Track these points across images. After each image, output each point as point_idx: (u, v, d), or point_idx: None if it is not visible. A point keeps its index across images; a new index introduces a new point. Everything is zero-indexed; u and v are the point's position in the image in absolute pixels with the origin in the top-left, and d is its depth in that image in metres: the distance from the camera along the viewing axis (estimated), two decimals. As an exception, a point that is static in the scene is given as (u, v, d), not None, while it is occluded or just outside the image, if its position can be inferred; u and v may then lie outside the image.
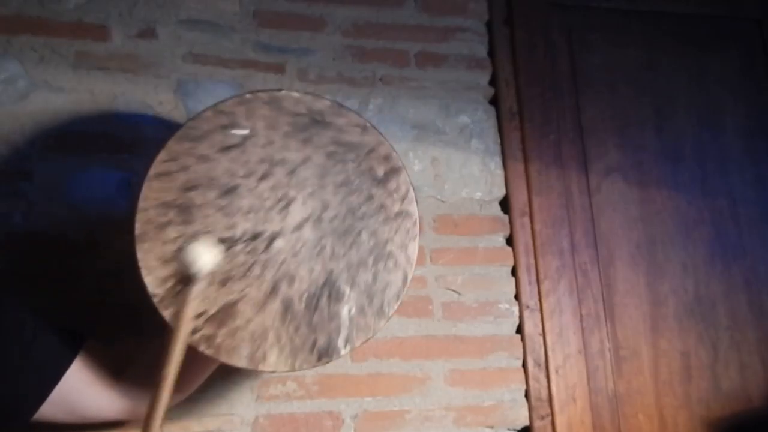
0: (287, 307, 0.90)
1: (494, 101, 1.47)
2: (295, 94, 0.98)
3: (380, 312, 0.93)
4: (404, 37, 1.44)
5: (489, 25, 1.50)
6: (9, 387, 0.87)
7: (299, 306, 0.91)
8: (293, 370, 0.90)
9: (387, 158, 0.99)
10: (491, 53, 1.49)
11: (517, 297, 1.37)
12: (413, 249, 0.96)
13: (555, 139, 1.47)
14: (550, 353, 1.34)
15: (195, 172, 0.91)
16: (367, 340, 0.93)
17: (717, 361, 1.44)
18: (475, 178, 1.41)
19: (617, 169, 1.50)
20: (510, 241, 1.40)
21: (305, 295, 0.91)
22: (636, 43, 1.58)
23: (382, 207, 0.97)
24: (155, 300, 0.86)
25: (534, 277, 1.38)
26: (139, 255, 0.87)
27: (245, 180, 0.92)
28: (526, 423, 1.31)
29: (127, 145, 1.23)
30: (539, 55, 1.50)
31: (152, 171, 0.90)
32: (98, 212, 1.19)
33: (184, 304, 0.83)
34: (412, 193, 0.99)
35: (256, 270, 0.90)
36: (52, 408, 0.89)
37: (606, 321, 1.41)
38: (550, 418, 1.31)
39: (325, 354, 0.91)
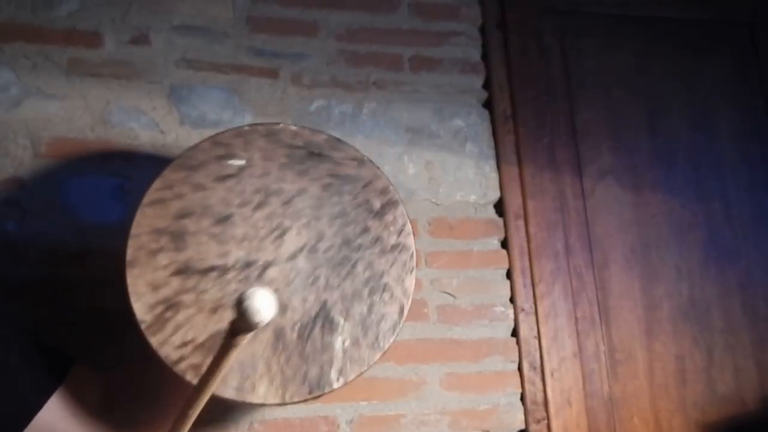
0: (279, 336, 0.88)
1: (488, 105, 1.47)
2: (293, 128, 0.99)
3: (375, 344, 0.92)
4: (398, 41, 1.44)
5: (482, 29, 1.50)
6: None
7: (291, 336, 0.89)
8: (283, 402, 0.87)
9: (384, 191, 0.99)
10: (485, 57, 1.49)
11: (512, 300, 1.37)
12: (410, 282, 0.95)
13: (549, 142, 1.47)
14: (545, 356, 1.34)
15: (189, 200, 0.91)
16: (360, 374, 0.91)
17: (712, 365, 1.44)
18: (469, 181, 1.41)
19: (611, 173, 1.50)
20: (505, 244, 1.40)
21: (298, 325, 0.89)
22: (629, 48, 1.59)
23: (378, 239, 0.96)
24: (143, 326, 0.85)
25: (529, 280, 1.38)
26: (129, 280, 0.86)
27: (240, 209, 0.92)
28: (522, 427, 1.31)
29: (120, 151, 1.23)
30: (533, 59, 1.50)
31: (146, 198, 0.90)
32: (92, 219, 1.19)
33: (228, 351, 0.77)
34: (409, 227, 0.98)
35: None
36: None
37: (601, 324, 1.41)
38: (546, 421, 1.31)
39: (317, 387, 0.88)
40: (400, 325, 0.94)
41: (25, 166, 1.19)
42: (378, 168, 1.01)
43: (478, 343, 1.33)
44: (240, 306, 0.71)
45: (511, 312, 1.37)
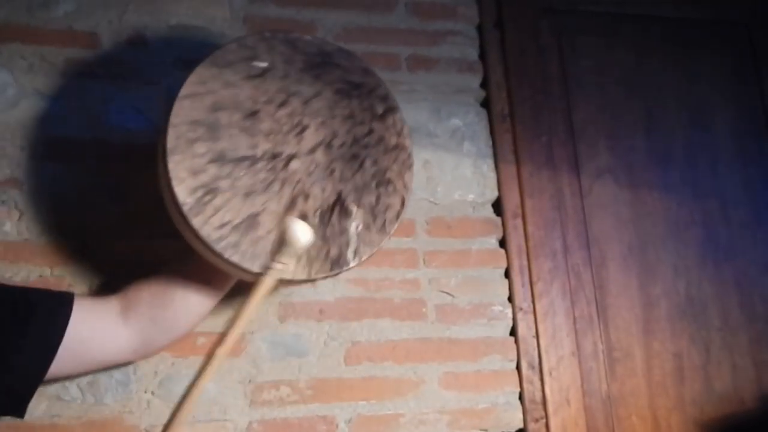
0: (303, 221, 0.97)
1: (486, 104, 1.47)
2: (308, 37, 1.09)
3: (382, 229, 1.03)
4: (395, 41, 1.44)
5: (479, 29, 1.50)
6: (19, 345, 0.89)
7: (313, 220, 0.98)
8: (309, 278, 0.97)
9: (385, 98, 1.10)
10: (482, 56, 1.49)
11: (510, 299, 1.38)
12: (409, 177, 1.08)
13: (546, 141, 1.47)
14: (543, 355, 1.34)
15: (221, 95, 0.98)
16: (372, 254, 1.02)
17: (709, 363, 1.45)
18: (467, 180, 1.41)
19: (608, 171, 1.50)
20: (503, 243, 1.40)
21: (318, 211, 0.99)
22: (626, 47, 1.59)
23: (381, 139, 1.07)
24: (185, 208, 0.90)
25: (527, 279, 1.38)
26: (171, 165, 0.91)
27: (266, 106, 1.00)
28: (521, 426, 1.31)
29: (117, 152, 1.23)
30: (530, 58, 1.51)
31: (183, 91, 0.96)
32: (89, 220, 1.19)
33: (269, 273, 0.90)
34: (406, 129, 1.10)
35: (276, 186, 0.97)
36: (62, 361, 0.91)
37: (599, 323, 1.41)
38: (544, 420, 1.31)
39: (337, 264, 0.98)
40: (402, 214, 1.05)
41: (22, 167, 1.19)
42: (380, 78, 1.12)
43: (477, 343, 1.33)
44: (283, 232, 0.87)
45: (509, 311, 1.37)
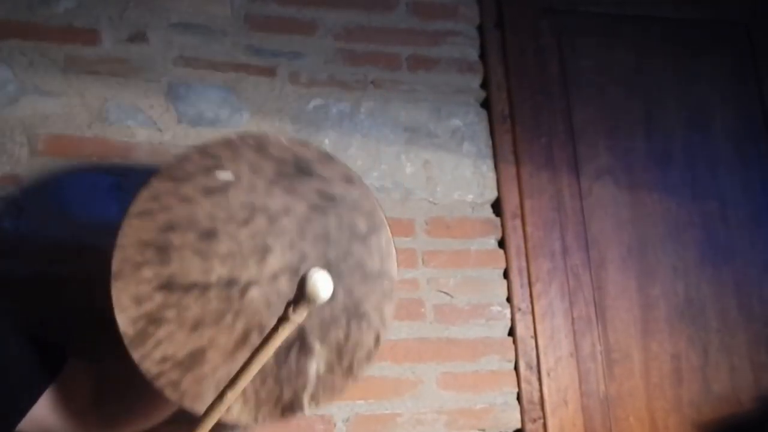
0: None
1: (486, 104, 1.47)
2: (284, 141, 0.97)
3: (349, 371, 0.92)
4: (396, 40, 1.44)
5: (480, 29, 1.50)
6: None
7: (268, 359, 0.88)
8: (255, 422, 0.89)
9: (371, 214, 0.98)
10: (482, 56, 1.49)
11: (509, 300, 1.38)
12: (389, 311, 0.95)
13: (546, 141, 1.47)
14: (541, 356, 1.34)
15: (176, 213, 0.91)
16: (332, 400, 0.92)
17: (707, 364, 1.45)
18: (467, 180, 1.41)
19: (608, 172, 1.50)
20: (502, 243, 1.40)
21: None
22: (625, 47, 1.59)
23: (360, 265, 0.95)
24: (126, 340, 0.86)
25: (526, 280, 1.38)
26: (114, 293, 0.87)
27: (225, 225, 0.92)
28: (518, 426, 1.31)
29: (117, 149, 1.23)
30: (530, 59, 1.51)
31: (134, 209, 0.90)
32: (88, 217, 1.19)
33: (282, 325, 0.76)
34: (393, 251, 0.97)
35: (228, 318, 0.89)
36: (29, 427, 0.89)
37: (597, 324, 1.41)
38: (542, 421, 1.31)
39: (289, 409, 0.90)
40: (375, 354, 0.94)
41: (22, 163, 1.19)
42: (367, 188, 1.00)
43: (475, 343, 1.33)
44: (302, 281, 0.73)
45: (507, 311, 1.37)
